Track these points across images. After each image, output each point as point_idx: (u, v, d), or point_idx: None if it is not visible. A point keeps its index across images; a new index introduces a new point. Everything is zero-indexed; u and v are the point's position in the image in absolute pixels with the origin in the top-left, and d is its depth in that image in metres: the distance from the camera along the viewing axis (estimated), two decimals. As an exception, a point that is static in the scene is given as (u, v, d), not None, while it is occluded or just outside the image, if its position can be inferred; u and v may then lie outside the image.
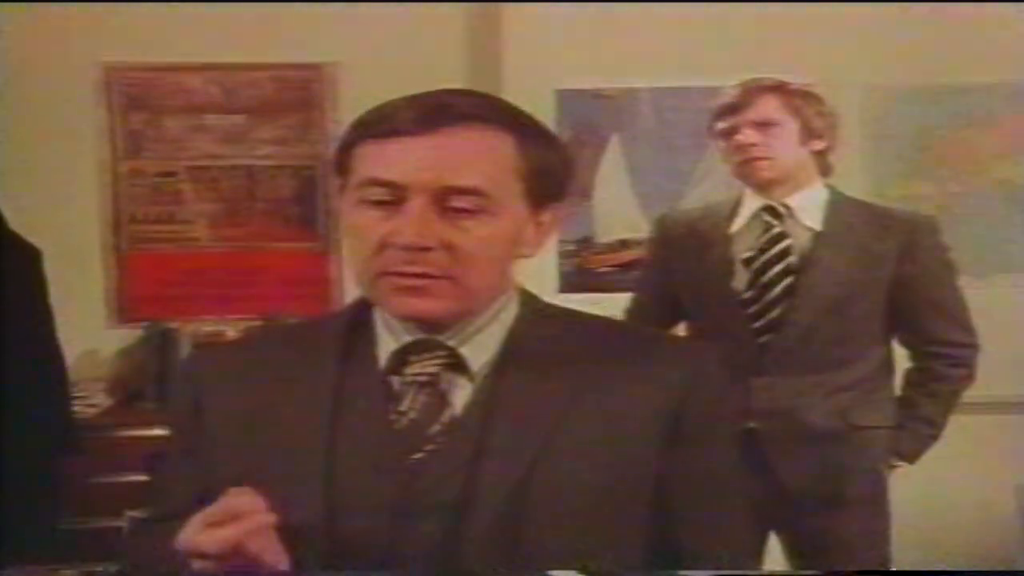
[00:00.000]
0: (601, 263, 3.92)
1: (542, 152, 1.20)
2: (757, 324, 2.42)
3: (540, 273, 3.87)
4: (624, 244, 3.87)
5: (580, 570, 1.14)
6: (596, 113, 3.92)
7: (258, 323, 3.73)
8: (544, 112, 3.88)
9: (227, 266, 4.02)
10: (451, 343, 1.21)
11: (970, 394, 3.49)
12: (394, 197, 1.15)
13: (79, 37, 3.94)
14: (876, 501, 2.53)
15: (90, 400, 3.68)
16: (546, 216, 1.23)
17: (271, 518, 1.07)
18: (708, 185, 3.68)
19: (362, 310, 1.26)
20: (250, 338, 1.63)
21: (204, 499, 1.11)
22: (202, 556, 1.06)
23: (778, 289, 2.41)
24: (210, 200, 4.02)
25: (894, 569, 2.65)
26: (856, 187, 3.46)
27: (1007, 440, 3.74)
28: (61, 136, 3.93)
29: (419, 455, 1.19)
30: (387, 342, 1.22)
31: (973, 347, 2.54)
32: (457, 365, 1.21)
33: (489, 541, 1.15)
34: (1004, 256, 3.87)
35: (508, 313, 1.24)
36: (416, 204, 1.14)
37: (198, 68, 3.99)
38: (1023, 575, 3.26)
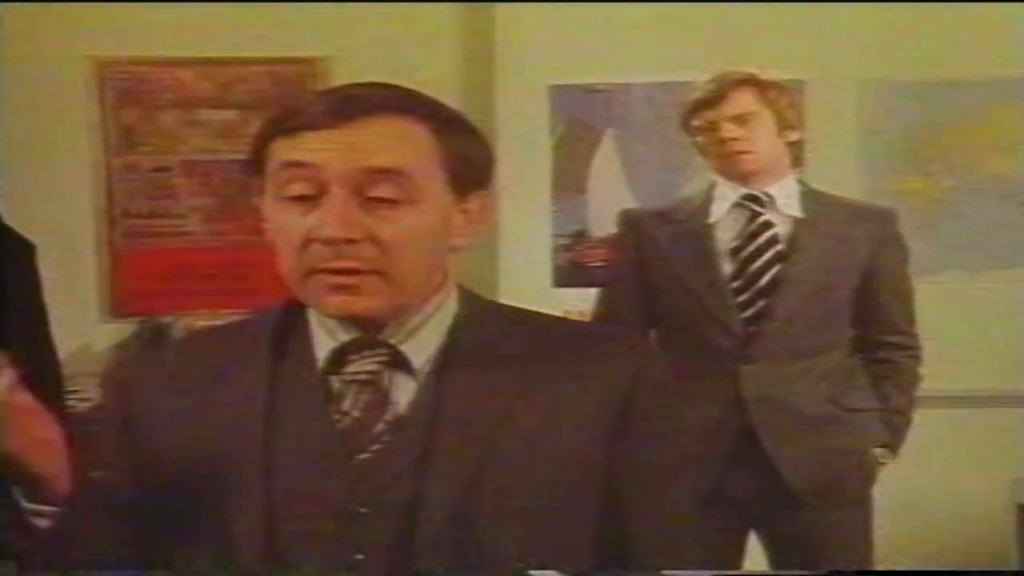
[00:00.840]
0: (595, 257, 3.92)
1: (460, 139, 1.18)
2: (746, 313, 2.42)
3: (534, 267, 3.88)
4: (618, 239, 3.88)
5: (560, 570, 1.14)
6: (590, 108, 3.93)
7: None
8: (538, 107, 3.90)
9: (220, 260, 4.02)
10: (392, 340, 1.19)
11: (964, 388, 3.50)
12: (314, 191, 1.12)
13: (72, 32, 3.94)
14: (865, 496, 2.54)
15: (83, 395, 3.68)
16: (473, 204, 1.20)
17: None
18: (702, 179, 3.68)
19: (294, 307, 1.23)
20: (180, 342, 1.60)
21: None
22: None
23: (767, 277, 2.43)
24: (204, 195, 4.02)
25: (880, 568, 2.66)
26: (849, 182, 3.48)
27: (1000, 435, 3.74)
28: (54, 131, 3.93)
29: (365, 455, 1.17)
30: (324, 340, 1.20)
31: (919, 340, 2.58)
32: (398, 363, 1.19)
33: (440, 540, 1.14)
34: (997, 251, 3.88)
35: (448, 309, 1.22)
36: (336, 196, 1.12)
37: (191, 63, 3.99)
38: (1016, 575, 3.26)
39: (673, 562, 1.23)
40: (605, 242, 3.80)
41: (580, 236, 3.94)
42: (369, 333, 1.19)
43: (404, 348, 1.19)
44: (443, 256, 1.20)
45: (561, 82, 3.89)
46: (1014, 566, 3.55)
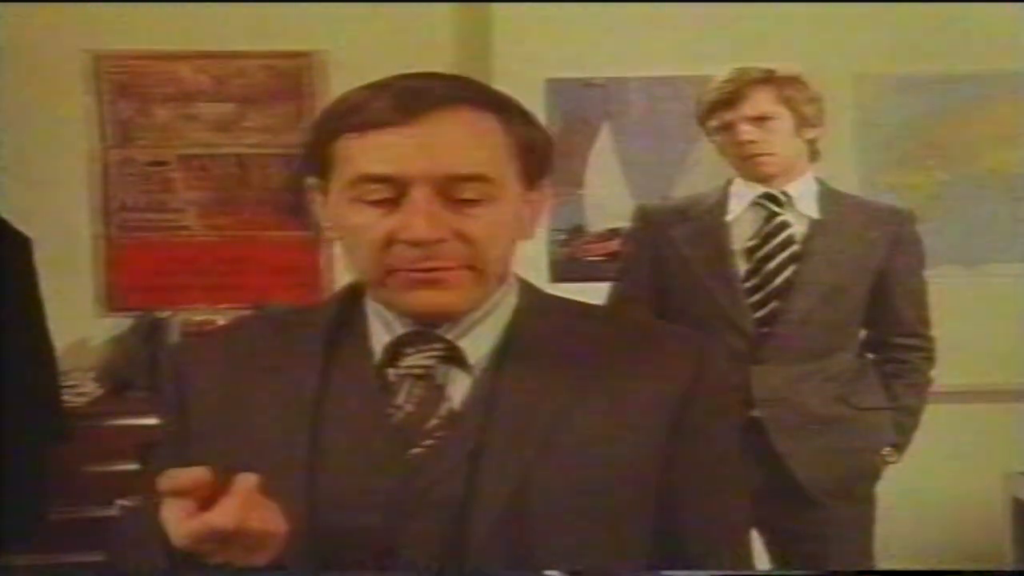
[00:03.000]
0: (592, 252, 3.92)
1: (525, 128, 1.17)
2: (759, 313, 2.41)
3: (531, 262, 3.88)
4: (615, 233, 3.86)
5: (572, 573, 1.13)
6: (586, 102, 3.92)
7: (248, 311, 3.73)
8: (534, 101, 3.89)
9: (217, 255, 4.02)
10: (449, 336, 1.17)
11: (959, 383, 3.50)
12: (394, 193, 1.10)
13: (67, 26, 3.93)
14: (870, 494, 2.54)
15: (80, 389, 3.68)
16: (536, 195, 1.20)
17: (254, 478, 1.01)
18: (698, 173, 3.69)
19: (352, 299, 1.22)
20: (237, 326, 1.50)
21: None
22: (212, 537, 0.99)
23: (781, 278, 2.41)
24: (200, 188, 4.02)
25: (879, 567, 2.66)
26: (846, 176, 3.47)
27: (994, 430, 3.75)
28: (50, 125, 3.92)
29: (417, 450, 1.15)
30: (380, 333, 1.19)
31: (934, 342, 2.57)
32: (454, 358, 1.17)
33: (491, 539, 1.12)
34: (994, 245, 3.89)
35: (507, 304, 1.21)
36: (420, 196, 1.10)
37: (188, 56, 3.98)
38: (1015, 575, 3.26)
39: (729, 562, 1.22)
40: (611, 237, 3.81)
41: (577, 231, 3.94)
42: (428, 327, 1.17)
43: (462, 343, 1.17)
44: (513, 248, 1.20)
45: (558, 76, 3.89)
46: (1009, 561, 3.56)
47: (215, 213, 4.02)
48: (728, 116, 2.40)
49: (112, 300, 3.99)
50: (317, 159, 1.15)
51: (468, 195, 1.11)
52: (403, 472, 1.14)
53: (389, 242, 1.11)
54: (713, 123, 2.44)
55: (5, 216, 2.80)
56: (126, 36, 3.94)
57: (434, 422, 1.16)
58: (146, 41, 3.94)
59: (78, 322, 3.87)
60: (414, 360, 1.17)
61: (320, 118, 1.16)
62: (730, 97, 2.39)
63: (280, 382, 1.18)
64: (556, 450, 1.14)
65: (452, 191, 1.11)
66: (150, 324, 3.81)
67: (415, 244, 1.10)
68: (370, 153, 1.10)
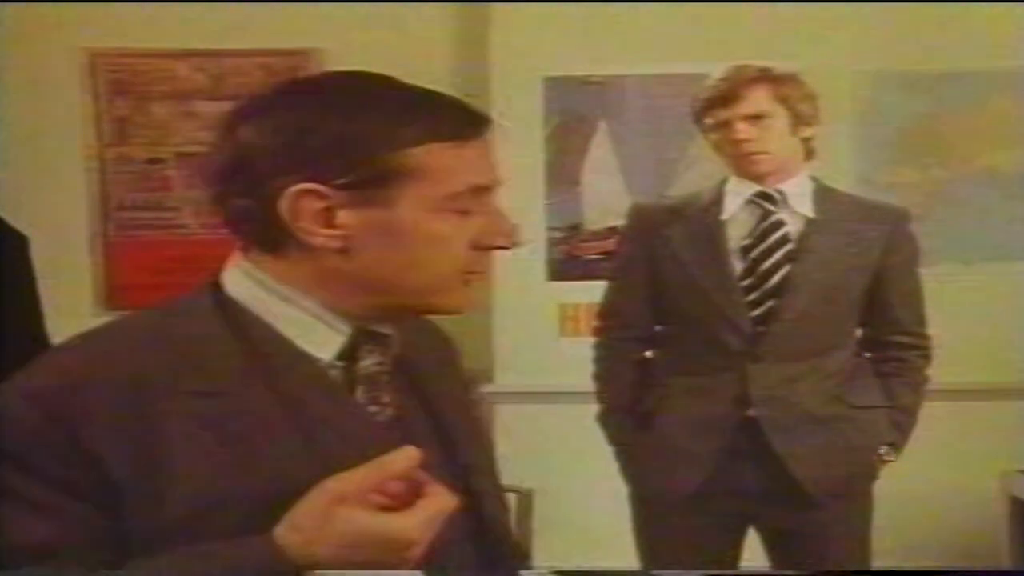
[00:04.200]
0: (590, 250, 3.92)
1: None
2: (755, 312, 2.41)
3: (528, 260, 3.88)
4: (613, 231, 3.85)
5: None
6: (584, 100, 3.92)
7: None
8: (532, 99, 3.89)
9: (215, 253, 3.99)
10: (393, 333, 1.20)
11: (958, 381, 3.50)
12: (475, 202, 1.14)
13: (64, 24, 3.93)
14: (866, 492, 2.55)
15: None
16: None
17: (415, 455, 1.03)
18: (696, 171, 3.68)
19: (223, 302, 1.19)
20: (117, 355, 1.13)
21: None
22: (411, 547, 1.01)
23: (776, 277, 2.41)
24: (197, 187, 4.01)
25: (875, 568, 2.66)
26: (843, 173, 3.48)
27: (991, 427, 3.76)
28: (48, 123, 3.92)
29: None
30: (319, 335, 1.15)
31: (930, 340, 2.57)
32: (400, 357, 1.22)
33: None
34: (990, 243, 3.89)
35: None
36: (495, 203, 1.16)
37: (184, 54, 3.98)
38: (1015, 575, 3.27)
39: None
40: (609, 235, 3.80)
41: (575, 229, 3.94)
42: (372, 327, 1.18)
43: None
44: None
45: (555, 74, 3.89)
46: (1005, 559, 3.56)
47: (212, 211, 4.01)
48: (724, 114, 2.39)
49: (109, 298, 3.99)
50: (399, 168, 1.10)
51: None
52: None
53: (473, 248, 1.15)
54: (709, 121, 2.43)
55: (1, 214, 2.79)
56: (123, 34, 3.94)
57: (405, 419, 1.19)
58: (143, 39, 3.94)
59: (75, 320, 3.82)
60: (371, 360, 1.17)
61: (402, 122, 1.11)
62: (726, 95, 2.39)
63: (234, 405, 1.08)
64: None
65: None
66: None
67: (502, 248, 1.17)
68: (475, 163, 1.13)
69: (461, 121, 1.13)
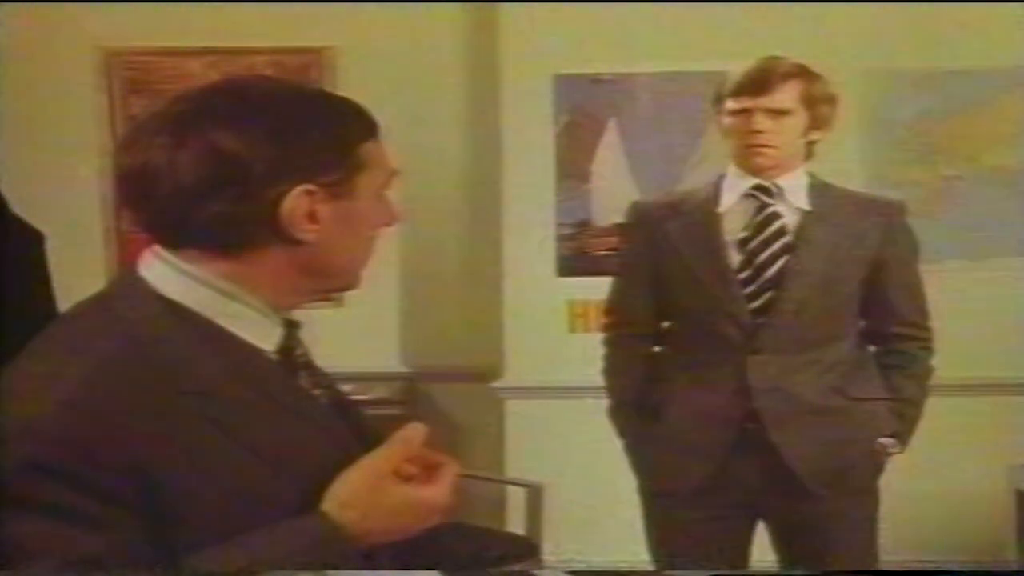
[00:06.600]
0: (599, 246, 3.94)
1: None
2: (754, 304, 2.43)
3: (538, 257, 3.90)
4: (622, 227, 3.89)
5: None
6: (594, 98, 3.94)
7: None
8: (542, 97, 3.91)
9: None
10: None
11: (964, 376, 3.51)
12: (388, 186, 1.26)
13: (78, 22, 3.96)
14: (872, 486, 2.55)
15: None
16: None
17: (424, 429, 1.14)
18: (705, 169, 3.70)
19: (147, 295, 1.17)
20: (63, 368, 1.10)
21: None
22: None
23: (773, 269, 2.43)
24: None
25: (883, 566, 2.67)
26: (851, 171, 3.49)
27: (998, 422, 3.77)
28: (62, 121, 3.96)
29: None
30: (266, 326, 1.17)
31: (932, 332, 2.58)
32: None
33: None
34: (998, 240, 3.90)
35: None
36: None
37: (197, 52, 4.01)
38: (1017, 575, 3.28)
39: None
40: (612, 232, 3.82)
41: (584, 225, 3.96)
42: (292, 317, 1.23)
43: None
44: None
45: (565, 72, 3.91)
46: (1012, 553, 3.58)
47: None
48: (749, 102, 2.40)
49: (123, 294, 4.02)
50: (341, 163, 1.16)
51: None
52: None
53: (381, 227, 1.25)
54: (732, 105, 2.42)
55: (17, 211, 2.82)
56: (137, 33, 3.97)
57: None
58: (156, 38, 3.97)
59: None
60: (300, 349, 1.23)
61: (342, 122, 1.17)
62: (758, 83, 2.39)
63: (222, 402, 1.11)
64: None
65: None
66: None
67: (391, 224, 1.27)
68: (388, 155, 1.21)
69: (372, 118, 1.21)
